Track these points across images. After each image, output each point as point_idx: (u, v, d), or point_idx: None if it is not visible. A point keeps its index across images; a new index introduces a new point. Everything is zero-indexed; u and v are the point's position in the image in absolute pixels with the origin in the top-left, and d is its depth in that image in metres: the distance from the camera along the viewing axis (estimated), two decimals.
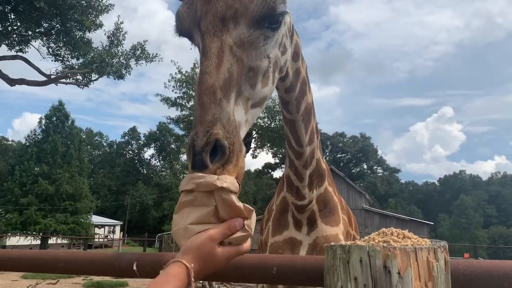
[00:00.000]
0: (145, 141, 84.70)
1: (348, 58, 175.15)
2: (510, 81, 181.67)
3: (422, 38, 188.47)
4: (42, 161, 46.00)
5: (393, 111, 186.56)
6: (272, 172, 74.89)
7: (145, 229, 62.43)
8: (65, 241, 45.52)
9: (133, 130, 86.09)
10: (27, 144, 49.06)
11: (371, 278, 1.07)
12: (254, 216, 1.27)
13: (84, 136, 69.82)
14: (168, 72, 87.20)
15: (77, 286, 17.61)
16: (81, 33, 20.42)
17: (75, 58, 21.88)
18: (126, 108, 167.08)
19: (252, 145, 41.67)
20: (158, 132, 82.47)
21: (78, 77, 22.46)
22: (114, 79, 22.81)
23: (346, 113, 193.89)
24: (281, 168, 69.77)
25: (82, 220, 47.49)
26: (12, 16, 19.29)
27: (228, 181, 1.19)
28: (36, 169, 45.93)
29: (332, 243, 1.20)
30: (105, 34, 22.67)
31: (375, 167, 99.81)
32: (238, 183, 1.23)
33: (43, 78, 21.22)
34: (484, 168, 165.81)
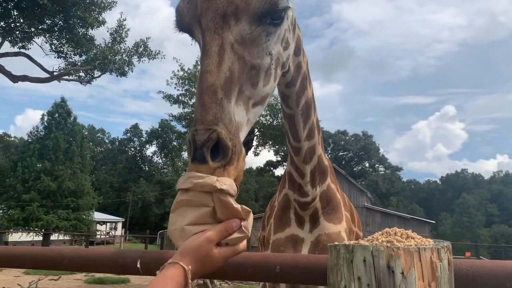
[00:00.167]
0: (147, 138, 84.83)
1: (351, 56, 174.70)
2: None
3: (425, 36, 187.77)
4: (45, 157, 46.14)
5: (395, 109, 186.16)
6: (273, 170, 75.09)
7: (146, 226, 62.60)
8: (67, 238, 45.69)
9: (135, 127, 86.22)
10: (30, 140, 49.21)
11: (374, 278, 1.07)
12: (251, 217, 1.28)
13: (86, 133, 69.96)
14: (170, 69, 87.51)
15: (79, 282, 17.68)
16: (84, 30, 20.45)
17: (77, 55, 21.98)
18: (128, 105, 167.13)
19: (254, 143, 41.69)
20: (160, 129, 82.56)
21: (80, 74, 22.50)
22: (117, 76, 22.88)
23: (348, 111, 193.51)
24: (283, 166, 69.84)
25: (84, 217, 47.65)
26: (15, 13, 19.34)
27: (227, 183, 1.19)
28: (38, 165, 46.07)
29: (336, 243, 1.20)
30: (107, 31, 22.75)
31: (377, 165, 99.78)
32: (237, 186, 1.23)
33: (46, 75, 21.30)
34: (486, 167, 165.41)
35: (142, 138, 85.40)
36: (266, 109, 36.22)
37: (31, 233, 42.24)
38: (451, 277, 1.15)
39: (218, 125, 1.22)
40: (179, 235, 1.22)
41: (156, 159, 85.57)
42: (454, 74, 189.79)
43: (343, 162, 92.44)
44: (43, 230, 42.54)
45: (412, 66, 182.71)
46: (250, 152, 41.45)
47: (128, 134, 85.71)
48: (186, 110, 38.98)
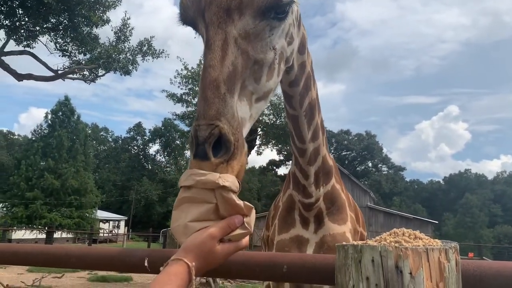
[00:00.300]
0: (150, 136, 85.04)
1: (354, 55, 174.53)
2: None
3: (429, 36, 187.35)
4: (48, 155, 46.38)
5: (398, 109, 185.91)
6: (276, 169, 74.91)
7: (149, 225, 62.65)
8: (70, 236, 45.85)
9: (139, 125, 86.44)
10: (33, 138, 49.47)
11: (383, 278, 1.08)
12: (253, 214, 1.28)
13: (89, 131, 70.31)
14: (173, 68, 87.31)
15: (82, 280, 17.74)
16: (88, 28, 20.49)
17: (82, 54, 22.01)
18: (131, 103, 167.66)
19: (257, 142, 41.68)
20: (163, 128, 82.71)
21: (85, 72, 22.56)
22: (121, 74, 22.91)
23: (351, 111, 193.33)
24: (286, 165, 69.73)
25: (87, 215, 47.92)
26: (20, 12, 19.40)
27: (230, 180, 1.20)
28: (42, 163, 46.32)
29: (344, 243, 1.21)
30: (112, 30, 22.79)
31: (380, 165, 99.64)
32: (239, 182, 1.24)
33: (51, 73, 21.37)
34: (490, 167, 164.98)
35: (145, 137, 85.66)
36: (269, 108, 36.20)
37: (34, 231, 42.38)
38: (458, 278, 1.15)
39: (220, 120, 1.22)
40: (182, 231, 1.23)
41: (159, 157, 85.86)
42: (457, 74, 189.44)
43: (346, 162, 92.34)
44: (46, 228, 42.69)
45: (416, 65, 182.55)
46: (253, 151, 41.43)
47: (132, 133, 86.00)
48: (189, 109, 38.97)
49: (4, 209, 44.55)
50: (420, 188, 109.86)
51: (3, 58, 19.66)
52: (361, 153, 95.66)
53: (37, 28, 20.26)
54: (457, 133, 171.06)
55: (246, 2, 1.39)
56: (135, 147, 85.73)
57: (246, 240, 1.29)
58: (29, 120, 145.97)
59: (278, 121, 38.29)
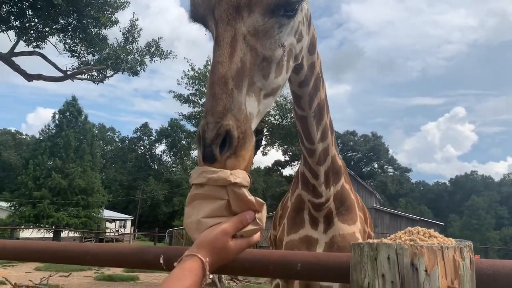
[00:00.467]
0: (156, 137, 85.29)
1: (360, 56, 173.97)
2: None
3: (435, 37, 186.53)
4: (56, 155, 46.62)
5: (404, 110, 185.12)
6: (282, 170, 74.84)
7: (155, 224, 62.78)
8: (77, 235, 46.04)
9: (145, 126, 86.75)
10: (41, 138, 49.71)
11: (398, 275, 1.10)
12: (265, 210, 1.30)
13: (96, 131, 70.55)
14: (180, 69, 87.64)
15: (89, 279, 17.84)
16: (97, 29, 20.59)
17: (90, 54, 22.12)
18: (138, 104, 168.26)
19: (263, 142, 41.69)
20: (169, 128, 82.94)
21: (93, 73, 22.67)
22: (129, 75, 22.98)
23: (357, 112, 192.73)
24: (291, 166, 69.60)
25: (94, 214, 48.07)
26: (30, 13, 19.55)
27: (241, 176, 1.21)
28: (49, 163, 46.53)
29: (360, 241, 1.23)
30: (120, 31, 22.89)
31: (386, 166, 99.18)
32: (249, 177, 1.25)
33: (60, 74, 21.51)
34: (496, 169, 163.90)
35: (152, 137, 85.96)
36: (275, 108, 36.18)
37: (41, 230, 42.63)
38: (473, 276, 1.17)
39: (227, 116, 1.23)
40: (195, 227, 1.24)
41: (165, 157, 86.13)
42: (464, 75, 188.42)
43: (352, 163, 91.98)
44: (53, 227, 42.94)
45: (422, 67, 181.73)
46: (259, 152, 41.41)
47: (138, 133, 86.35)
48: (196, 109, 39.04)
49: (12, 208, 44.82)
50: (426, 189, 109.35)
51: (13, 58, 19.81)
52: (367, 154, 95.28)
53: (47, 29, 20.39)
54: (463, 134, 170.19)
55: (255, 0, 1.40)
56: (142, 147, 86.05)
57: (257, 235, 1.31)
58: (37, 120, 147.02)
59: (284, 122, 38.24)
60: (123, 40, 22.85)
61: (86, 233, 44.94)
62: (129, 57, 22.49)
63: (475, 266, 1.21)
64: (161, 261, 1.61)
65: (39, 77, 20.33)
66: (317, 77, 2.13)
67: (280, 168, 74.16)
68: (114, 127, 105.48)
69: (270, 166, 75.21)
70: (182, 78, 38.37)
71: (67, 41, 21.53)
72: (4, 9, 19.21)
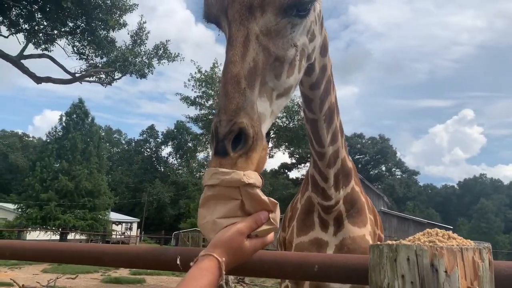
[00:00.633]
0: (162, 139, 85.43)
1: (367, 58, 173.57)
2: None
3: (443, 39, 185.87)
4: (62, 157, 46.81)
5: (412, 113, 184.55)
6: (288, 172, 74.70)
7: (161, 227, 63.01)
8: (83, 237, 46.21)
9: (151, 128, 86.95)
10: (48, 140, 49.96)
11: (418, 275, 1.11)
12: (278, 209, 1.30)
13: (103, 134, 70.78)
14: (186, 71, 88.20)
15: (96, 281, 17.88)
16: (105, 32, 20.72)
17: (99, 57, 22.26)
18: (144, 106, 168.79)
19: (269, 145, 41.72)
20: (175, 130, 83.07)
21: (101, 75, 22.82)
22: (137, 78, 23.12)
23: (364, 114, 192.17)
24: (298, 168, 69.54)
25: (100, 217, 48.18)
26: (39, 16, 19.73)
27: (253, 177, 1.22)
28: (56, 165, 46.72)
29: (378, 243, 1.24)
30: (128, 34, 23.05)
31: (393, 169, 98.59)
32: (261, 177, 1.26)
33: (68, 76, 21.68)
34: (506, 172, 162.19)
35: (158, 139, 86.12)
36: (282, 111, 36.20)
37: (48, 232, 42.83)
38: (492, 277, 1.18)
39: (240, 115, 1.24)
40: (210, 228, 1.25)
41: (171, 160, 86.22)
42: (472, 77, 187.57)
43: (360, 166, 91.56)
44: (60, 229, 43.13)
45: (430, 68, 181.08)
46: None
47: (144, 135, 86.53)
48: (203, 111, 39.25)
49: (19, 210, 45.08)
50: (434, 192, 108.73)
51: (22, 61, 19.98)
52: (374, 157, 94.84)
53: (55, 31, 20.55)
54: (471, 137, 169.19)
55: (268, 0, 1.41)
56: (148, 150, 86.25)
57: (271, 235, 1.32)
58: (43, 122, 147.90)
59: (291, 124, 38.28)
60: (131, 43, 23.02)
61: (93, 235, 45.08)
62: (137, 59, 22.63)
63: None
64: (178, 262, 1.62)
65: (48, 79, 20.48)
66: (328, 80, 2.13)
67: (286, 170, 74.03)
68: (121, 129, 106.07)
69: (277, 168, 75.12)
70: (189, 80, 38.58)
71: (76, 43, 21.74)
72: (14, 12, 19.41)
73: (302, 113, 2.43)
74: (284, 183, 71.13)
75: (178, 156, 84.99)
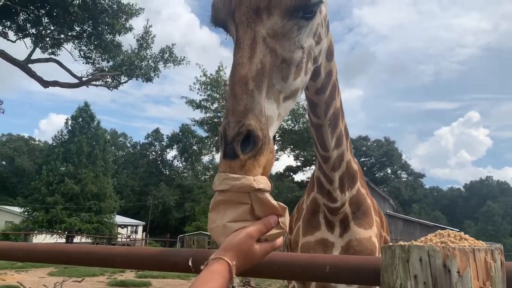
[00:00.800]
0: (168, 142, 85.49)
1: (372, 60, 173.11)
2: None
3: (448, 41, 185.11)
4: (68, 161, 47.02)
5: (417, 115, 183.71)
6: (293, 175, 74.51)
7: (167, 230, 62.97)
8: (89, 240, 46.33)
9: (157, 131, 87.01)
10: (54, 144, 50.20)
11: (431, 276, 1.12)
12: (287, 213, 1.31)
13: (108, 137, 70.94)
14: (191, 75, 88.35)
15: (102, 284, 17.88)
16: (111, 36, 20.84)
17: (105, 61, 22.39)
18: (149, 109, 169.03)
19: (275, 147, 41.70)
20: (180, 133, 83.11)
21: (108, 79, 22.93)
22: (143, 81, 23.21)
23: (369, 116, 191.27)
24: (303, 171, 69.36)
25: (106, 220, 48.27)
26: (46, 20, 19.90)
27: (263, 182, 1.23)
28: (62, 168, 46.91)
29: (390, 244, 1.25)
30: (134, 37, 23.18)
31: (399, 171, 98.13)
32: (270, 182, 1.27)
33: (75, 80, 21.81)
34: None
35: (163, 143, 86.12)
36: (288, 113, 36.24)
37: (54, 235, 42.96)
38: (504, 277, 1.19)
39: (248, 116, 1.25)
40: (221, 231, 1.26)
41: (176, 163, 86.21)
42: (478, 79, 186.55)
43: (365, 168, 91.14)
44: (66, 232, 43.27)
45: (435, 70, 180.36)
46: None
47: (149, 139, 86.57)
48: (208, 114, 39.34)
49: (26, 213, 45.28)
50: (440, 195, 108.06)
51: (30, 65, 20.13)
52: (380, 160, 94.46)
53: (62, 36, 20.70)
54: (477, 139, 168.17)
55: (274, 3, 1.42)
56: (153, 153, 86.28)
57: (280, 239, 1.33)
58: (49, 126, 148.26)
59: (296, 127, 38.27)
60: (137, 47, 23.13)
61: (98, 238, 45.19)
62: (143, 63, 22.75)
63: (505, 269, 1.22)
64: (190, 263, 1.64)
65: (55, 83, 20.61)
66: (334, 85, 2.15)
67: (291, 173, 73.82)
68: (126, 133, 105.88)
69: (282, 171, 74.96)
70: (194, 84, 38.67)
71: (82, 47, 21.87)
72: (21, 17, 19.59)
73: (307, 117, 2.43)
74: (289, 186, 70.87)
75: (183, 159, 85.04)
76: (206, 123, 39.78)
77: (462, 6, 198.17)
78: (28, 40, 20.45)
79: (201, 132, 51.18)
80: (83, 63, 22.16)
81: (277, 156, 43.95)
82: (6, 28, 19.72)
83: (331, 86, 2.12)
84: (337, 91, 2.20)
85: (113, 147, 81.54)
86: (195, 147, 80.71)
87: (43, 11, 19.19)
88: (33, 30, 20.12)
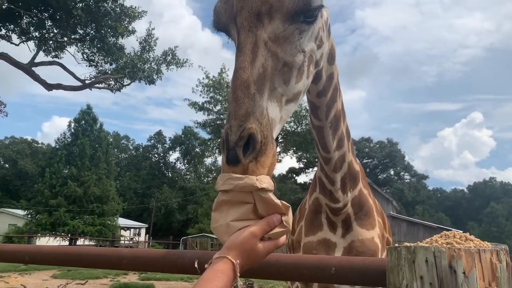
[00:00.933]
0: (170, 144, 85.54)
1: (374, 62, 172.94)
2: None
3: (451, 42, 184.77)
4: (71, 163, 47.11)
5: (420, 116, 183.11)
6: (296, 177, 74.45)
7: (169, 232, 62.96)
8: (92, 243, 46.38)
9: (159, 133, 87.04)
10: (57, 147, 50.31)
11: (437, 277, 1.13)
12: (290, 212, 1.32)
13: (111, 140, 71.05)
14: (193, 77, 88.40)
15: (105, 287, 17.89)
16: (114, 39, 20.92)
17: (108, 64, 22.45)
18: (151, 112, 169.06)
19: (278, 149, 41.69)
20: (183, 136, 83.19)
21: (111, 82, 22.99)
22: (146, 84, 23.25)
23: (372, 118, 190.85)
24: (306, 173, 69.31)
25: (109, 222, 48.30)
26: (49, 23, 20.00)
27: (266, 181, 1.24)
28: (65, 171, 46.99)
29: (396, 245, 1.26)
30: (137, 40, 23.23)
31: (402, 173, 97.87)
32: (273, 181, 1.29)
33: (78, 83, 21.88)
34: None
35: (166, 145, 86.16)
36: (291, 115, 36.26)
37: (57, 238, 43.03)
38: (509, 278, 1.20)
39: (249, 120, 1.26)
40: (224, 231, 1.27)
41: (179, 165, 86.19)
42: (481, 79, 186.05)
43: (368, 170, 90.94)
44: (69, 235, 43.34)
45: (438, 71, 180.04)
46: None
47: (152, 141, 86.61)
48: (210, 117, 39.41)
49: (29, 216, 45.37)
50: (443, 196, 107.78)
51: (33, 68, 20.20)
52: (382, 161, 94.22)
53: (65, 39, 20.79)
54: (481, 140, 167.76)
55: (276, 7, 1.43)
56: (156, 155, 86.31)
57: (283, 238, 1.33)
58: (52, 129, 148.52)
59: (299, 129, 38.27)
60: (140, 49, 23.16)
61: (101, 241, 45.24)
62: (145, 66, 22.80)
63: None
64: (196, 265, 1.65)
65: (58, 86, 20.68)
66: (335, 88, 2.17)
67: (294, 175, 73.76)
68: (128, 135, 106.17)
69: (284, 173, 74.91)
70: (197, 86, 38.75)
71: (85, 50, 21.91)
72: (24, 21, 19.68)
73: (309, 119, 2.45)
74: (292, 188, 70.85)
75: (185, 161, 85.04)
76: (208, 125, 39.83)
77: (464, 7, 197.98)
78: (31, 43, 20.54)
79: (203, 134, 51.26)
80: (86, 66, 22.24)
81: (279, 158, 43.91)
82: (10, 32, 19.79)
83: (333, 88, 2.14)
84: (338, 93, 2.23)
85: (115, 150, 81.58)
86: (197, 149, 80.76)
87: (46, 14, 19.26)
88: (37, 33, 20.18)
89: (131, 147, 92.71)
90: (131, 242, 53.63)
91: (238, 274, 1.20)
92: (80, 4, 18.54)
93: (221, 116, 38.62)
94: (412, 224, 36.59)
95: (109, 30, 20.02)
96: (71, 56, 21.92)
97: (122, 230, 56.67)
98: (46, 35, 20.23)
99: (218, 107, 38.84)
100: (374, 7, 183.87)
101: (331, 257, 1.59)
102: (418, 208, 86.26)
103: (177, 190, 72.66)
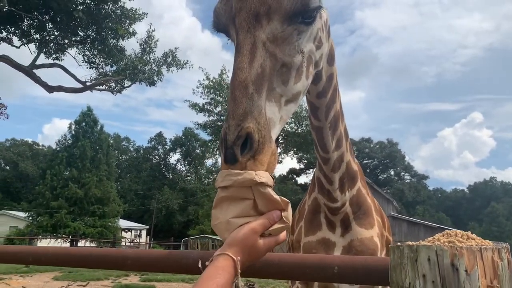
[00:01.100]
0: (171, 146, 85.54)
1: (374, 62, 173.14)
2: None
3: (450, 42, 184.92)
4: (72, 165, 47.08)
5: (420, 116, 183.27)
6: (296, 178, 74.49)
7: (170, 234, 62.89)
8: (93, 245, 46.33)
9: (159, 135, 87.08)
10: (58, 149, 50.30)
11: (439, 275, 1.14)
12: (290, 208, 1.33)
13: (112, 141, 70.99)
14: (193, 78, 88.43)
15: None
16: (115, 41, 20.97)
17: (109, 65, 22.52)
18: (152, 113, 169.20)
19: (278, 150, 41.68)
20: (183, 137, 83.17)
21: (111, 83, 23.02)
22: (146, 85, 23.29)
23: (372, 118, 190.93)
24: (306, 173, 69.42)
25: (110, 224, 48.27)
26: (50, 26, 20.05)
27: (265, 176, 1.25)
28: (66, 173, 46.97)
29: (399, 243, 1.27)
30: (137, 42, 23.30)
31: (402, 173, 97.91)
32: (272, 178, 1.29)
33: (79, 85, 21.92)
34: None
35: (166, 146, 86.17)
36: (291, 116, 36.25)
37: (59, 240, 43.00)
38: (511, 276, 1.21)
39: (247, 119, 1.27)
40: (224, 227, 1.27)
41: (179, 167, 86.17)
42: (480, 79, 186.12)
43: (368, 170, 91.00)
44: (70, 236, 43.31)
45: (437, 72, 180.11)
46: None
47: (153, 142, 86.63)
48: (211, 118, 39.42)
49: (30, 218, 45.37)
50: (444, 196, 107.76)
51: (34, 70, 20.24)
52: (383, 161, 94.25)
53: (66, 41, 20.86)
54: (481, 140, 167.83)
55: (274, 8, 1.44)
56: (156, 157, 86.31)
57: (284, 234, 1.34)
58: (53, 131, 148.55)
59: (299, 129, 38.26)
60: (140, 51, 23.23)
61: (102, 242, 45.21)
62: (146, 67, 22.85)
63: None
64: (200, 265, 1.66)
65: (59, 88, 20.73)
66: (334, 89, 2.19)
67: (295, 176, 73.83)
68: (129, 137, 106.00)
69: (285, 174, 74.95)
70: (197, 87, 38.76)
71: (86, 52, 21.98)
72: (25, 23, 19.73)
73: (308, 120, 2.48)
74: (292, 189, 70.88)
75: (186, 162, 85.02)
76: (209, 127, 39.82)
77: (463, 7, 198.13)
78: (32, 46, 20.61)
79: (204, 136, 51.22)
80: (87, 68, 22.31)
81: (280, 159, 43.89)
82: (11, 34, 19.88)
83: (332, 89, 2.16)
84: (337, 94, 2.25)
85: (116, 151, 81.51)
86: (198, 151, 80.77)
87: (47, 17, 19.33)
88: (37, 36, 20.25)
89: (131, 149, 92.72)
90: (132, 243, 53.60)
91: (239, 271, 1.20)
92: (81, 7, 18.63)
93: (222, 117, 38.66)
94: (412, 224, 36.53)
95: (109, 32, 20.09)
96: (72, 58, 22.04)
97: (123, 232, 56.66)
98: (47, 38, 20.30)
99: (219, 108, 38.90)
100: (373, 8, 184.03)
101: (334, 256, 1.60)
102: (419, 208, 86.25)
103: (178, 192, 72.64)
